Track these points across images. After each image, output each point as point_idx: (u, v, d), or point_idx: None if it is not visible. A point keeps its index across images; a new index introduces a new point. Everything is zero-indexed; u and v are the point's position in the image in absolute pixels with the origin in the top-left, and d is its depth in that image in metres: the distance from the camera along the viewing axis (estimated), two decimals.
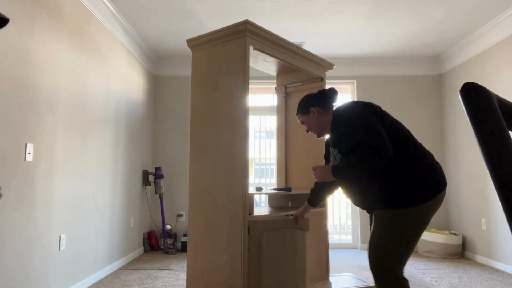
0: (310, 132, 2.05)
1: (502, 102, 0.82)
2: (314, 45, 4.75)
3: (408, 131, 1.78)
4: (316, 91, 1.99)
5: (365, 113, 1.71)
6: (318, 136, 1.98)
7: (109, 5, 3.58)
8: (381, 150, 1.62)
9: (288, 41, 2.42)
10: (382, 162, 1.65)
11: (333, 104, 1.97)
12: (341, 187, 1.91)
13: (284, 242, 2.12)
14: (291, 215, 2.26)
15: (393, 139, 1.71)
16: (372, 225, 1.78)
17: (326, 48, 4.89)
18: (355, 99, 5.31)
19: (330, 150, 1.91)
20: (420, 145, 1.77)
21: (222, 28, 2.22)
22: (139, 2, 3.62)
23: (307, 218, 2.29)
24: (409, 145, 1.72)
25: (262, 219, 2.08)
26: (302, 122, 1.99)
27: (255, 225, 2.05)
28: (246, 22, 2.11)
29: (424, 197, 1.66)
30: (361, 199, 1.81)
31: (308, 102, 1.96)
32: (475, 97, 0.79)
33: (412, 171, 1.68)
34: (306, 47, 4.83)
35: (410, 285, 3.35)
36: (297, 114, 2.01)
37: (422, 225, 1.69)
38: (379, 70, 5.31)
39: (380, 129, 1.66)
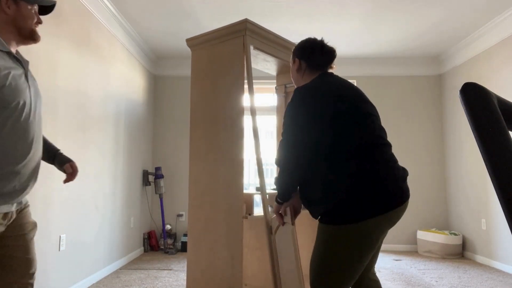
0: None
1: (502, 102, 0.82)
2: None
3: (362, 127, 1.44)
4: (318, 46, 1.64)
5: (295, 113, 1.46)
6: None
7: (109, 5, 3.58)
8: (288, 167, 1.45)
9: (288, 40, 2.42)
10: (292, 178, 1.48)
11: (325, 69, 1.65)
12: None
13: (282, 238, 2.10)
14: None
15: (335, 136, 1.42)
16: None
17: None
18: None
19: None
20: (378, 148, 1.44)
21: (221, 27, 2.22)
22: (139, 2, 3.62)
23: (287, 210, 1.88)
24: (357, 144, 1.41)
25: (274, 219, 1.98)
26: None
27: (273, 223, 1.96)
28: (246, 21, 2.11)
29: (373, 210, 1.36)
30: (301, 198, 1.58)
31: (299, 51, 1.68)
32: (475, 97, 0.78)
33: (356, 178, 1.38)
34: None
35: (410, 285, 3.35)
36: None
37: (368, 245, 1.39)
38: (379, 70, 5.31)
39: (297, 139, 1.44)
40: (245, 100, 2.16)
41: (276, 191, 1.73)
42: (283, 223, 1.74)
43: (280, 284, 1.95)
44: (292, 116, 1.47)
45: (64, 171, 1.62)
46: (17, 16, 1.32)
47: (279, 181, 1.53)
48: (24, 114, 1.29)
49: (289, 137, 1.46)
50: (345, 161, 1.40)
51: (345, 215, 1.38)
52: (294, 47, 1.76)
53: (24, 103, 1.30)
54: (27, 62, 1.40)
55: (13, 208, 1.32)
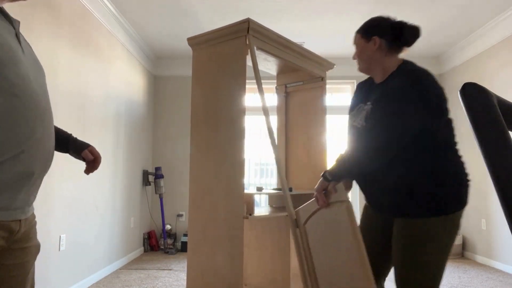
0: (354, 59, 1.61)
1: (502, 102, 0.81)
2: (314, 45, 4.75)
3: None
4: (390, 21, 1.53)
5: (419, 102, 1.34)
6: (360, 70, 1.60)
7: (109, 5, 3.58)
8: (385, 153, 1.37)
9: (290, 40, 2.42)
10: (375, 165, 1.41)
11: (406, 47, 1.54)
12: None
13: (326, 225, 1.73)
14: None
15: (449, 127, 1.43)
16: (398, 238, 1.44)
17: (326, 48, 4.88)
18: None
19: (359, 106, 1.57)
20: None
21: (223, 26, 2.21)
22: (139, 2, 3.62)
23: (340, 185, 1.58)
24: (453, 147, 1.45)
25: (300, 208, 1.81)
26: (355, 44, 1.58)
27: (298, 217, 1.79)
28: (248, 21, 2.10)
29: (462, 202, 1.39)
30: (379, 195, 1.49)
31: (377, 27, 1.52)
32: (475, 97, 0.79)
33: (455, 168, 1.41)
34: (306, 47, 4.82)
35: None
36: (357, 32, 1.58)
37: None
38: None
39: (408, 133, 1.36)
40: (245, 100, 2.16)
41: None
42: (327, 205, 1.55)
43: (315, 282, 1.66)
44: (412, 100, 1.34)
45: (83, 160, 1.34)
46: None
47: (349, 159, 1.44)
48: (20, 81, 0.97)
49: (396, 121, 1.34)
50: (455, 151, 1.43)
51: (455, 203, 1.37)
52: (363, 25, 1.58)
53: (17, 66, 0.98)
54: (18, 22, 1.14)
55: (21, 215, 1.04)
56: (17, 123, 0.95)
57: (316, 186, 1.55)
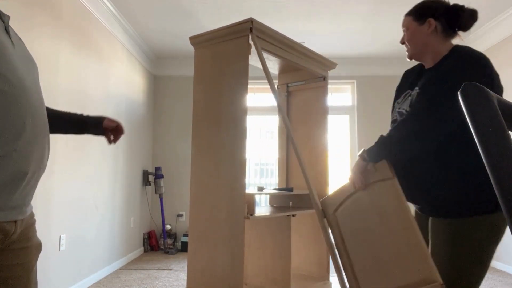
0: (404, 44, 1.52)
1: (502, 102, 0.82)
2: (314, 45, 4.76)
3: None
4: (444, 3, 1.44)
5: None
6: (410, 57, 1.50)
7: (109, 5, 3.58)
8: (427, 136, 1.28)
9: (292, 39, 2.42)
10: (416, 148, 1.32)
11: (462, 31, 1.43)
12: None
13: (364, 210, 1.52)
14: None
15: None
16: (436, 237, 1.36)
17: (326, 48, 4.89)
18: (356, 96, 5.31)
19: (407, 93, 1.48)
20: None
21: (225, 26, 2.21)
22: (139, 2, 3.62)
23: (383, 161, 1.43)
24: None
25: (328, 196, 1.65)
26: (405, 27, 1.48)
27: (325, 205, 1.61)
28: (251, 20, 2.10)
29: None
30: (417, 191, 1.38)
31: (432, 9, 1.42)
32: (475, 97, 0.79)
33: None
34: (306, 46, 4.83)
35: None
36: (407, 14, 1.48)
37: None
38: (379, 70, 5.31)
39: (453, 121, 1.24)
40: (247, 100, 2.16)
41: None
42: (365, 186, 1.42)
43: (354, 280, 1.43)
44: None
45: (106, 131, 1.31)
46: None
47: (391, 138, 1.34)
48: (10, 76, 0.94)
49: (443, 107, 1.25)
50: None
51: (488, 203, 1.25)
52: (416, 6, 1.47)
53: (5, 60, 0.94)
54: (7, 16, 1.09)
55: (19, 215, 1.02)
56: (7, 121, 0.90)
57: (352, 168, 1.45)
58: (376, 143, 1.39)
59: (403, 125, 1.34)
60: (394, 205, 1.34)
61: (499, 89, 1.31)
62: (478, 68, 1.27)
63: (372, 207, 1.43)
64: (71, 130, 1.32)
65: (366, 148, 1.42)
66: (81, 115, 1.32)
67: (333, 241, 1.55)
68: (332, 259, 1.54)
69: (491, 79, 1.27)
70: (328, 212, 1.59)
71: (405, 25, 1.48)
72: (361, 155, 1.42)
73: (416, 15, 1.44)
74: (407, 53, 1.50)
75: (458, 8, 1.39)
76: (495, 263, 4.05)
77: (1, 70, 0.91)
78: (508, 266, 3.85)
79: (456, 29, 1.41)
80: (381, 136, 1.40)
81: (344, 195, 1.53)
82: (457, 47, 1.39)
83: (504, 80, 4.31)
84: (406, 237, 1.30)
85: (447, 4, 1.42)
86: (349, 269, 1.45)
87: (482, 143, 0.74)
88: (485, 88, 0.79)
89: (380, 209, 1.39)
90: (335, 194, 1.59)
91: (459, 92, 0.80)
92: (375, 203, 1.42)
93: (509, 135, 0.74)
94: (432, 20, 1.40)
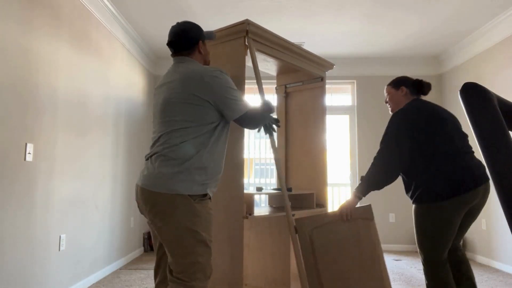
0: (387, 103, 2.29)
1: (502, 102, 0.82)
2: (314, 45, 4.75)
3: (444, 137, 1.92)
4: (411, 78, 2.26)
5: (394, 129, 1.98)
6: (391, 111, 2.23)
7: (109, 5, 3.58)
8: (388, 170, 1.95)
9: (289, 41, 2.42)
10: (385, 182, 1.96)
11: (419, 97, 2.18)
12: None
13: (340, 236, 1.95)
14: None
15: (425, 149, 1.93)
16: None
17: (326, 48, 4.89)
18: (354, 100, 5.31)
19: None
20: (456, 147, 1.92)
21: (222, 27, 2.22)
22: (139, 2, 3.63)
23: (368, 205, 2.01)
24: (440, 151, 1.91)
25: (308, 217, 2.05)
26: (388, 93, 2.25)
27: (301, 224, 2.03)
28: (247, 22, 2.11)
29: (444, 195, 1.86)
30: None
31: (404, 81, 2.20)
32: (475, 97, 0.79)
33: (436, 169, 1.91)
34: (306, 47, 4.83)
35: (410, 285, 3.35)
36: (388, 85, 2.26)
37: (445, 223, 1.87)
38: (379, 70, 5.31)
39: (396, 152, 1.96)
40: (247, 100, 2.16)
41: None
42: (348, 219, 1.95)
43: (318, 285, 1.90)
44: (393, 136, 2.01)
45: None
46: None
47: (373, 174, 1.98)
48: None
49: (391, 149, 1.99)
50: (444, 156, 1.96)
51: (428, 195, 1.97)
52: (393, 80, 2.26)
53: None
54: None
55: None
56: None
57: (344, 204, 2.01)
58: (362, 182, 2.02)
59: (377, 162, 2.01)
60: (369, 243, 1.80)
61: (420, 134, 1.95)
62: (401, 117, 2.04)
63: (349, 236, 1.91)
64: None
65: (355, 188, 2.03)
66: None
67: (301, 253, 1.97)
68: (297, 265, 1.93)
69: (412, 127, 1.98)
70: (302, 229, 2.01)
71: (387, 91, 2.26)
72: (354, 193, 2.01)
73: (395, 85, 2.23)
74: (389, 108, 2.27)
75: (419, 81, 2.17)
76: (495, 263, 4.05)
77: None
78: (508, 266, 3.85)
79: (420, 93, 2.19)
80: (363, 176, 2.06)
81: (326, 220, 1.99)
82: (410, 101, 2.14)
83: (504, 80, 4.30)
84: (372, 269, 1.80)
85: (413, 79, 2.22)
86: (316, 277, 1.90)
87: (482, 142, 0.74)
88: (485, 88, 0.79)
89: (356, 239, 1.90)
90: (315, 217, 2.02)
91: (459, 92, 0.80)
92: (353, 234, 1.90)
93: (509, 135, 0.74)
94: (404, 87, 2.19)
